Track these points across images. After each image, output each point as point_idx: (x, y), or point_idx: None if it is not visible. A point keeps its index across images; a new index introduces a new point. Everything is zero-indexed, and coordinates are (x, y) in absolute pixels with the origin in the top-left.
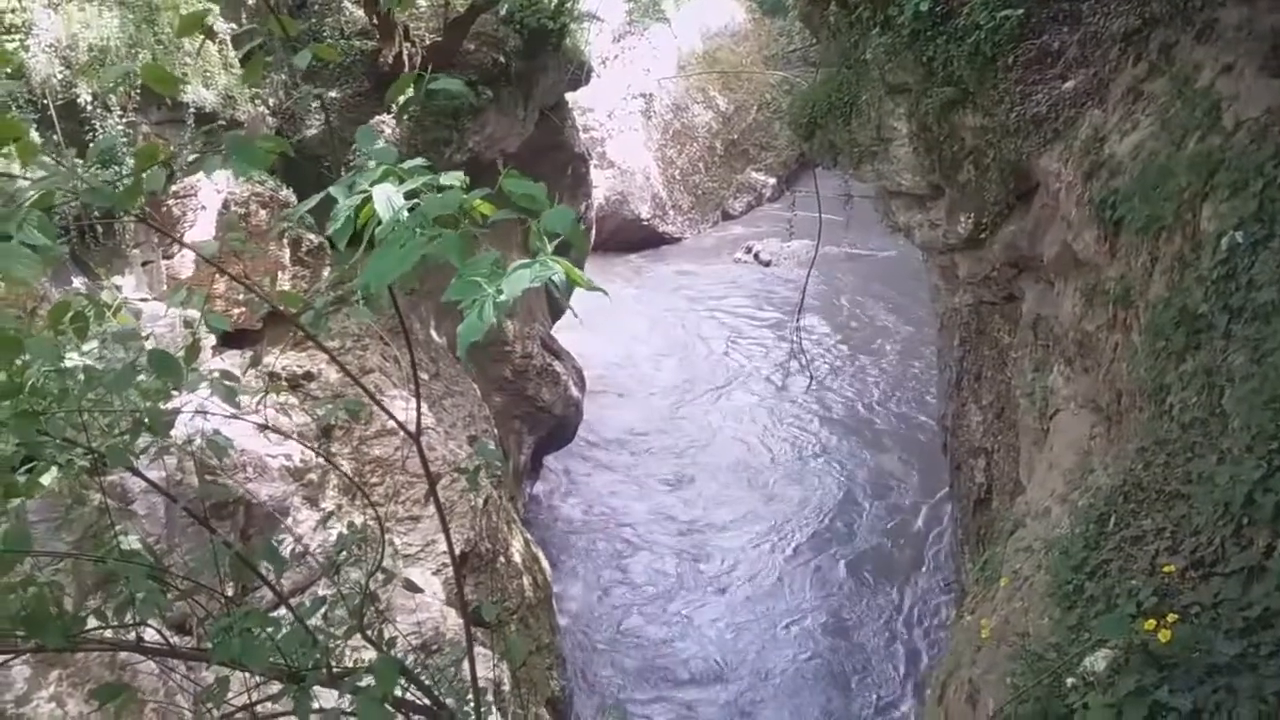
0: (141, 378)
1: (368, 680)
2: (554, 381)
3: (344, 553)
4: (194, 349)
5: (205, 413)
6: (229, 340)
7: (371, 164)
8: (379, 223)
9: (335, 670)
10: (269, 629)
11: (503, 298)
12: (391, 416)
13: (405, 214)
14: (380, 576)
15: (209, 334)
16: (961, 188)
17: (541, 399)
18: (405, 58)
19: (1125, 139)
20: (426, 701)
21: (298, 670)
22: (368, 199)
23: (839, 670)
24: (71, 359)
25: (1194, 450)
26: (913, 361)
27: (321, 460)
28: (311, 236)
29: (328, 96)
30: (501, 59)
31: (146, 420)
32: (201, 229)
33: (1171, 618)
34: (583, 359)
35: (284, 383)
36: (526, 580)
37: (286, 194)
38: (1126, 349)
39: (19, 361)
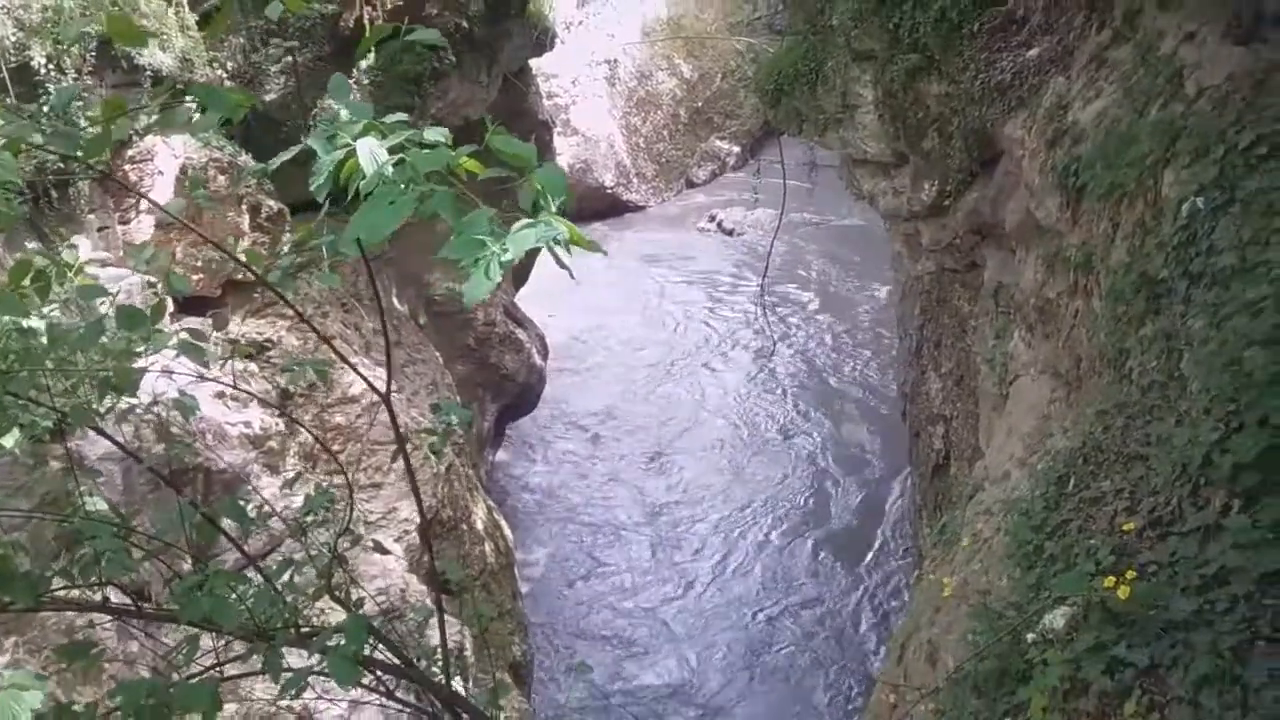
0: (105, 338)
1: (337, 639)
2: (517, 349)
3: (311, 515)
4: (160, 308)
5: (170, 373)
6: (187, 307)
7: (345, 114)
8: (361, 178)
9: (303, 630)
10: (240, 588)
11: (508, 256)
12: (361, 376)
13: (390, 169)
14: (347, 540)
15: (168, 298)
16: (926, 155)
17: (505, 366)
18: (367, 21)
19: (1089, 106)
20: (396, 661)
21: (267, 629)
22: (350, 154)
23: (811, 657)
24: (31, 319)
25: (1153, 413)
26: (880, 330)
27: (281, 427)
28: (271, 202)
29: (287, 61)
30: (464, 23)
31: (113, 379)
32: (159, 194)
33: (1130, 575)
34: (548, 327)
35: (247, 348)
36: (489, 547)
37: (245, 159)
38: (1087, 315)
39: None
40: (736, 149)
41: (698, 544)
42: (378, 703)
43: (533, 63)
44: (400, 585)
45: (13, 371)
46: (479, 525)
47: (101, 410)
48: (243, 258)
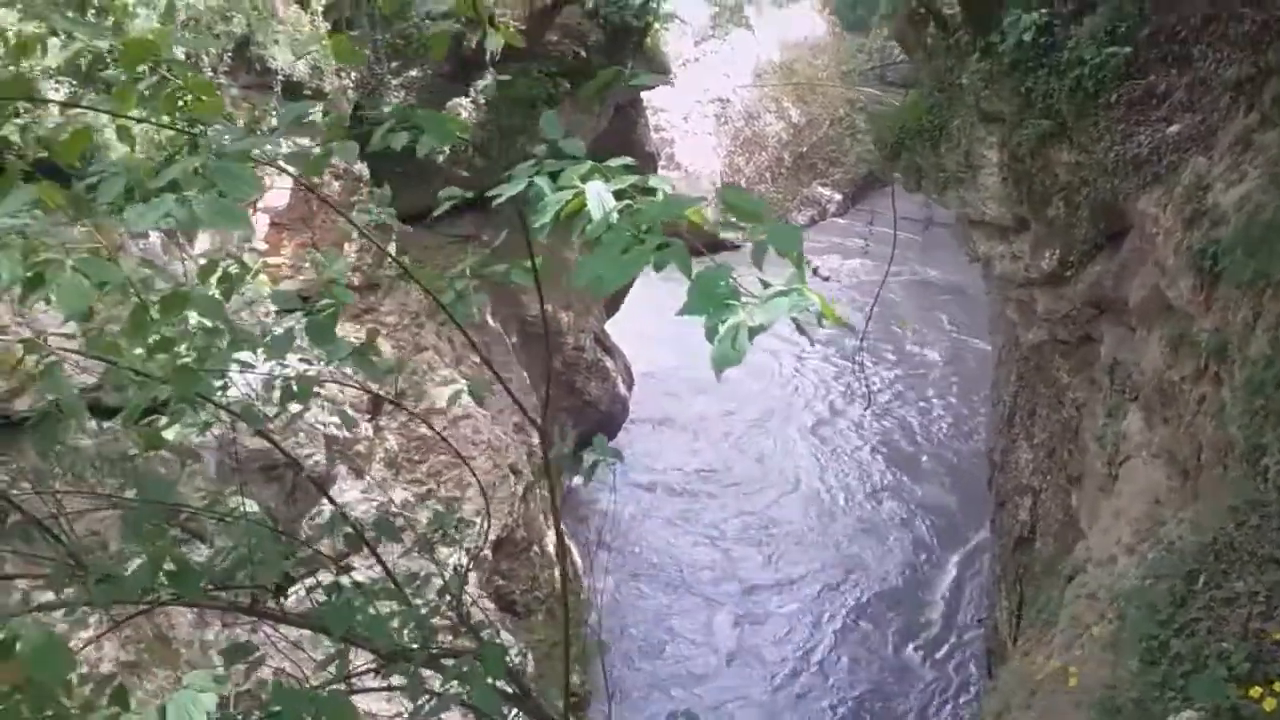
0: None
1: (474, 665)
2: (603, 377)
3: (440, 531)
4: (335, 316)
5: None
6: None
7: (540, 149)
8: (587, 221)
9: (433, 651)
10: (391, 605)
11: (759, 322)
12: (519, 406)
13: (615, 215)
14: (469, 560)
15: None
16: (1049, 223)
17: (589, 393)
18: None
19: (1231, 189)
20: (513, 689)
21: (407, 649)
22: (577, 195)
23: None
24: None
25: None
26: (971, 394)
27: (369, 432)
28: (379, 211)
29: (408, 75)
30: (583, 53)
31: (295, 387)
32: (276, 195)
33: (1278, 686)
34: (637, 360)
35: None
36: (558, 571)
37: (360, 168)
38: (1214, 403)
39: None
40: (838, 196)
41: (784, 626)
42: None
43: (645, 96)
44: (466, 602)
45: (198, 370)
46: (550, 549)
47: (271, 415)
48: (422, 275)
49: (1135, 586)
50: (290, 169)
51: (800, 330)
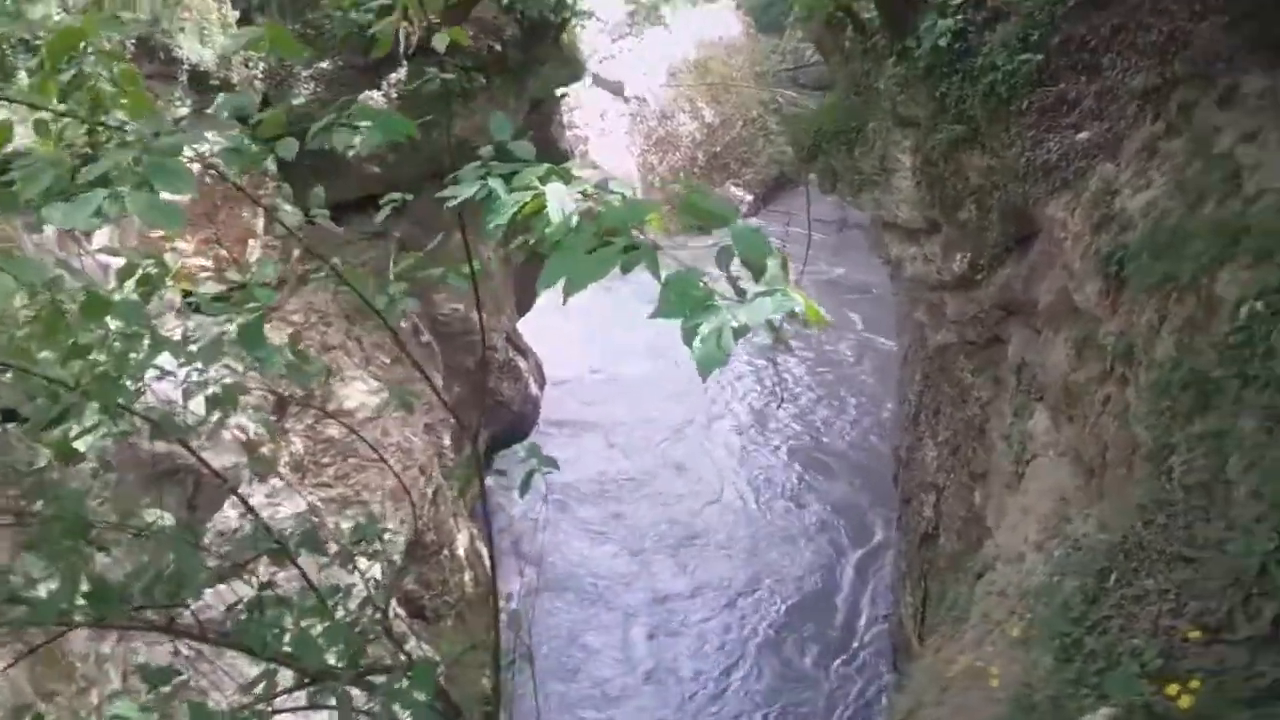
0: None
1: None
2: (515, 377)
3: (361, 541)
4: (261, 320)
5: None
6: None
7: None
8: (546, 224)
9: (362, 668)
10: (320, 622)
11: (741, 324)
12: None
13: (575, 219)
14: (391, 571)
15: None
16: (960, 226)
17: (501, 393)
18: (402, 37)
19: (1138, 195)
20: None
21: (333, 668)
22: (537, 198)
23: None
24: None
25: (1199, 514)
26: (881, 395)
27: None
28: (289, 207)
29: (318, 67)
30: (498, 47)
31: (220, 393)
32: None
33: (1194, 684)
34: (547, 360)
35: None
36: (468, 575)
37: (267, 163)
38: (1119, 404)
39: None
40: (750, 198)
41: (702, 640)
42: None
43: (558, 93)
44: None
45: (113, 377)
46: (460, 552)
47: (193, 423)
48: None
49: (1045, 583)
50: (222, 165)
51: (773, 332)
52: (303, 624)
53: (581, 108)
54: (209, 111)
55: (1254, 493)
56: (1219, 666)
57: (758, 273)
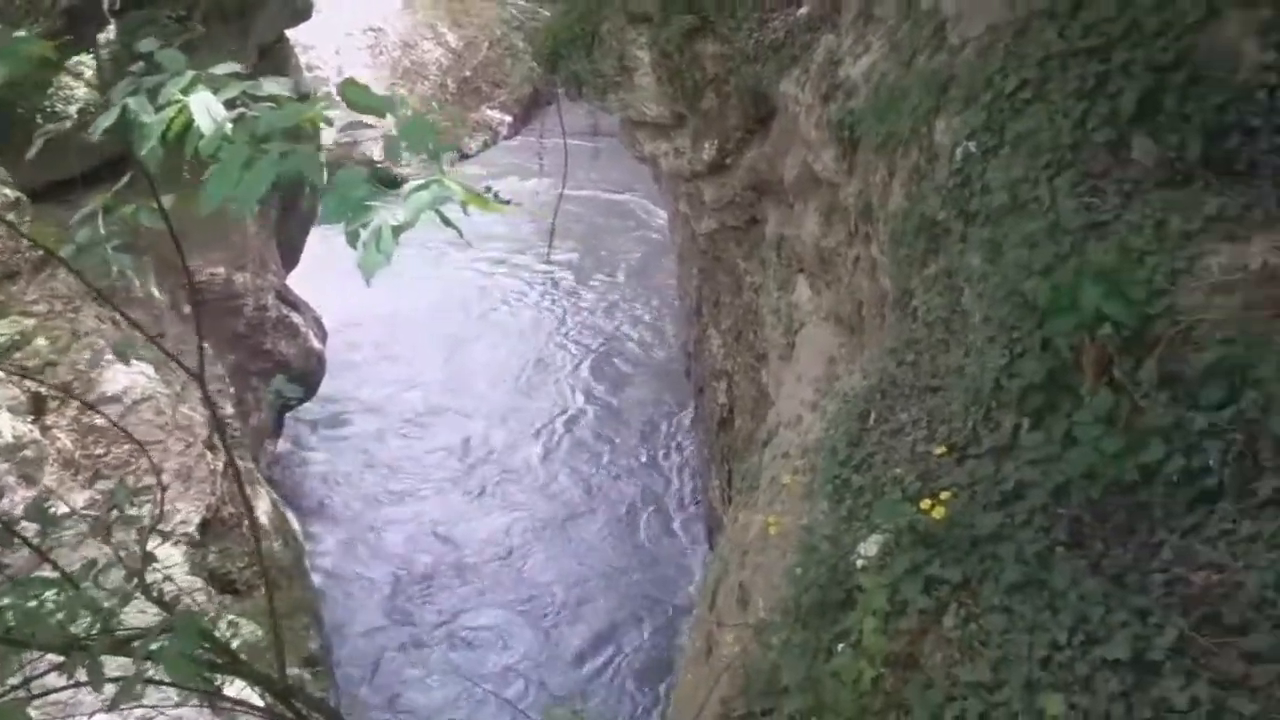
0: None
1: (165, 639)
2: (293, 334)
3: (115, 511)
4: None
5: None
6: None
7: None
8: (199, 138)
9: (120, 635)
10: (50, 595)
11: (401, 221)
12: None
13: (229, 126)
14: (157, 537)
15: None
16: (704, 115)
17: (280, 353)
18: None
19: (859, 61)
20: (221, 659)
21: (81, 640)
22: (181, 111)
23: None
24: None
25: (941, 346)
26: (654, 291)
27: (37, 435)
28: (7, 190)
29: (14, 36)
30: None
31: None
32: None
33: (945, 495)
34: (325, 310)
35: None
36: (277, 543)
37: None
38: (866, 261)
39: None
40: (508, 118)
41: (531, 585)
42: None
43: (289, 33)
44: (177, 590)
45: None
46: (264, 520)
47: None
48: (36, 234)
49: (820, 437)
50: None
51: (448, 224)
52: (39, 599)
53: (316, 46)
54: None
55: (985, 319)
56: (970, 479)
57: (433, 157)
